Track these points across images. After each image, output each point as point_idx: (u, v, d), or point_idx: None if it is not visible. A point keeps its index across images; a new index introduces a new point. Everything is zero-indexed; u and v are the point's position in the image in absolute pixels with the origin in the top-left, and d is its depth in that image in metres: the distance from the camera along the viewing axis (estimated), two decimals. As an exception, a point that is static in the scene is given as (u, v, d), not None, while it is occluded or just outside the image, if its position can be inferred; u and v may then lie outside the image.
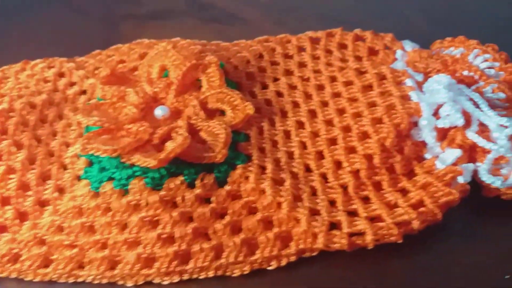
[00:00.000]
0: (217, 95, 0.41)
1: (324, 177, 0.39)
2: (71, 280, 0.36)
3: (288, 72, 0.47)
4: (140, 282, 0.36)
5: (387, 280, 0.36)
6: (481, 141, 0.36)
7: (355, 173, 0.38)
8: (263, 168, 0.38)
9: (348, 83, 0.44)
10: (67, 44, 0.56)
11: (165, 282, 0.36)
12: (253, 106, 0.41)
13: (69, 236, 0.36)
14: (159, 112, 0.40)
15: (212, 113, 0.41)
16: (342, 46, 0.48)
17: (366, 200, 0.37)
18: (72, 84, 0.47)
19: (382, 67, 0.44)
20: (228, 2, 0.61)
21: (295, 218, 0.36)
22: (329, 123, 0.41)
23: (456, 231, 0.38)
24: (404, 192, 0.37)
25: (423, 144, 0.39)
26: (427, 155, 0.39)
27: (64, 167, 0.40)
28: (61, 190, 0.39)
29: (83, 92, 0.47)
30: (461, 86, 0.40)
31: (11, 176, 0.39)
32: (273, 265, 0.36)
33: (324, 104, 0.43)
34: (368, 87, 0.43)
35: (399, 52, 0.47)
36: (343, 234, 0.35)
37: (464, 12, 0.58)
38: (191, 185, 0.37)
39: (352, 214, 0.37)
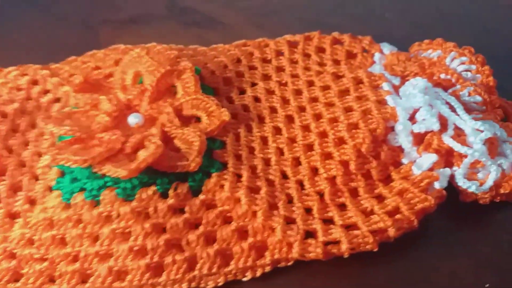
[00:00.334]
0: (192, 102, 0.40)
1: (300, 184, 0.38)
2: (41, 294, 0.35)
3: (266, 77, 0.46)
4: (112, 296, 0.35)
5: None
6: (456, 146, 0.36)
7: (332, 179, 0.38)
8: (238, 176, 0.38)
9: (325, 88, 0.43)
10: (44, 50, 0.56)
11: (138, 295, 0.35)
12: (230, 112, 0.40)
13: (39, 249, 0.35)
14: (133, 119, 0.40)
15: (187, 120, 0.40)
16: (320, 50, 0.48)
17: (342, 207, 0.37)
18: (46, 91, 0.46)
19: (359, 71, 0.43)
20: (208, 6, 0.61)
21: (270, 227, 0.35)
22: (306, 128, 0.41)
23: (435, 238, 0.37)
24: (380, 198, 0.37)
25: (400, 149, 0.38)
26: (404, 160, 0.38)
27: (36, 178, 0.39)
28: (32, 202, 0.38)
29: (57, 100, 0.46)
30: (438, 90, 0.40)
31: (-19, 188, 0.38)
32: (248, 276, 0.35)
33: (301, 109, 0.42)
34: (345, 92, 0.42)
35: (377, 55, 0.46)
36: (319, 243, 0.34)
37: (442, 14, 0.58)
38: (164, 195, 0.36)
39: (329, 222, 0.36)
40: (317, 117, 0.41)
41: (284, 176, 0.39)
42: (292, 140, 0.41)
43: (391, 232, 0.34)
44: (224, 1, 0.62)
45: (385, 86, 0.41)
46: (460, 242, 0.37)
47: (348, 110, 0.41)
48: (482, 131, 0.36)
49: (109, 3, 0.62)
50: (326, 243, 0.35)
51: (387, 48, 0.47)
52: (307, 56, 0.48)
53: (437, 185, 0.36)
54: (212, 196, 0.37)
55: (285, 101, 0.44)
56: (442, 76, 0.42)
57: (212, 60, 0.47)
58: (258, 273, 0.35)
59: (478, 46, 0.45)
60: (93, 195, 0.36)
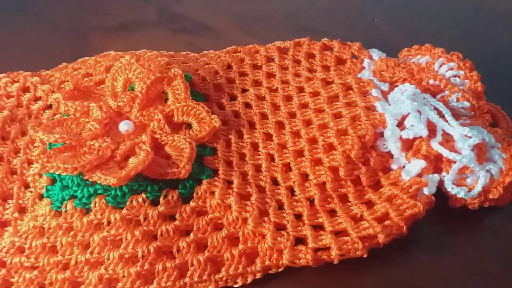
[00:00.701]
0: (182, 108, 0.41)
1: (291, 190, 0.38)
2: (31, 303, 0.35)
3: (257, 83, 0.46)
4: (103, 304, 0.35)
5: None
6: (444, 152, 0.36)
7: (321, 185, 0.38)
8: (229, 183, 0.38)
9: (315, 94, 0.44)
10: (35, 57, 0.56)
11: (128, 303, 0.35)
12: (221, 118, 0.41)
13: (29, 257, 0.35)
14: (123, 127, 0.40)
15: (178, 127, 0.41)
16: (310, 56, 0.48)
17: (332, 213, 0.37)
18: (36, 99, 0.46)
19: (348, 77, 0.43)
20: (199, 13, 0.61)
21: (260, 234, 0.35)
22: (296, 134, 0.41)
23: (424, 244, 0.37)
24: (370, 204, 0.37)
25: (389, 154, 0.39)
26: (393, 166, 0.38)
27: (27, 186, 0.39)
28: (22, 210, 0.38)
29: (48, 107, 0.46)
30: (426, 95, 0.40)
31: (-29, 196, 0.38)
32: (239, 282, 0.35)
33: (292, 115, 0.43)
34: (334, 98, 0.43)
35: (366, 61, 0.47)
36: (309, 249, 0.35)
37: (431, 20, 0.58)
38: (155, 203, 0.36)
39: (319, 227, 0.36)
40: (307, 123, 0.42)
41: (275, 182, 0.39)
42: (282, 146, 0.41)
43: (381, 238, 0.34)
44: (215, 8, 0.62)
45: (374, 92, 0.41)
46: (449, 247, 0.37)
47: (337, 116, 0.41)
48: (470, 137, 0.36)
49: (100, 9, 0.62)
50: (316, 249, 0.35)
51: (376, 54, 0.47)
52: (297, 62, 0.48)
53: (426, 191, 0.36)
54: (203, 203, 0.37)
55: (275, 107, 0.44)
56: (431, 81, 0.42)
57: (202, 67, 0.47)
58: (249, 280, 0.35)
59: (466, 51, 0.45)
60: (83, 203, 0.36)
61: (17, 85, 0.47)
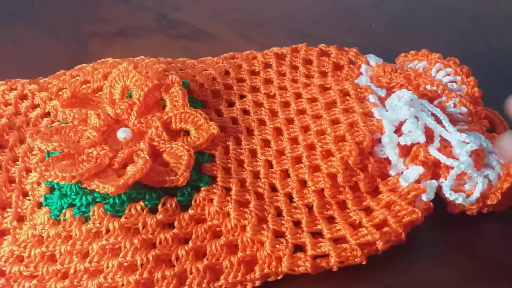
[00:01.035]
0: (180, 115, 0.41)
1: (289, 196, 0.38)
2: (29, 312, 0.35)
3: (254, 89, 0.47)
4: (102, 313, 0.35)
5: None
6: (442, 158, 0.36)
7: (320, 192, 0.38)
8: (227, 190, 0.38)
9: (312, 100, 0.44)
10: (33, 63, 0.56)
11: (128, 311, 0.35)
12: (219, 124, 0.41)
13: (28, 266, 0.35)
14: (121, 134, 0.40)
15: (176, 134, 0.41)
16: (308, 62, 0.48)
17: (331, 219, 0.37)
18: (34, 106, 0.46)
19: (345, 83, 0.43)
20: (197, 19, 0.61)
21: (259, 241, 0.35)
22: (294, 141, 0.41)
23: (422, 250, 0.37)
24: (368, 211, 0.37)
25: (387, 160, 0.39)
26: (391, 172, 0.38)
27: (25, 194, 0.39)
28: (21, 219, 0.38)
29: (46, 114, 0.46)
30: (424, 101, 0.40)
31: (-31, 205, 0.38)
32: (238, 291, 0.35)
33: (289, 121, 0.43)
34: (332, 104, 0.43)
35: (363, 67, 0.47)
36: (307, 256, 0.35)
37: (428, 25, 0.58)
38: (153, 210, 0.36)
39: (317, 234, 0.36)
40: (305, 129, 0.42)
41: (273, 189, 0.39)
42: (280, 153, 0.41)
43: (379, 245, 0.34)
44: (212, 14, 0.62)
45: (371, 98, 0.41)
46: (448, 254, 0.37)
47: (335, 122, 0.41)
48: (468, 143, 0.36)
49: (97, 16, 0.62)
50: (315, 257, 0.35)
51: (373, 59, 0.47)
52: (294, 68, 0.48)
53: (424, 197, 0.36)
54: (201, 210, 0.37)
55: (273, 113, 0.44)
56: (428, 87, 0.43)
57: (200, 73, 0.47)
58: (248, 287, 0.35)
59: (463, 56, 0.45)
60: (82, 211, 0.36)
61: (15, 92, 0.47)
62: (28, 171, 0.41)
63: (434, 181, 0.37)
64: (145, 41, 0.59)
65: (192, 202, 0.37)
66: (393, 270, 0.36)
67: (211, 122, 0.40)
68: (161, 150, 0.39)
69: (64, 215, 0.36)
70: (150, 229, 0.36)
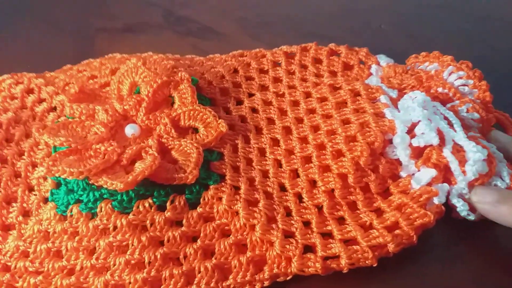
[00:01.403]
0: (189, 113, 0.40)
1: (299, 196, 0.38)
2: (35, 308, 0.35)
3: (263, 88, 0.46)
4: (108, 310, 0.34)
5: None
6: (454, 163, 0.36)
7: (330, 192, 0.37)
8: (236, 188, 0.37)
9: (322, 99, 0.43)
10: (39, 59, 0.56)
11: (135, 309, 0.34)
12: (227, 122, 0.40)
13: (34, 262, 0.35)
14: (129, 130, 0.39)
15: (184, 131, 0.40)
16: (317, 61, 0.48)
17: (341, 220, 0.36)
18: (40, 101, 0.46)
19: (356, 83, 0.43)
20: (205, 16, 0.61)
21: (268, 241, 0.35)
22: (303, 140, 0.41)
23: (433, 253, 0.37)
24: (379, 212, 0.37)
25: (398, 162, 0.38)
26: (402, 173, 0.38)
27: (31, 189, 0.39)
28: (26, 214, 0.37)
29: (53, 109, 0.45)
30: (436, 104, 0.40)
31: (-25, 199, 0.38)
32: (246, 291, 0.35)
33: (299, 120, 0.42)
34: (342, 103, 0.42)
35: (374, 67, 0.46)
36: (318, 257, 0.34)
37: (438, 27, 0.58)
38: (161, 208, 0.36)
39: (327, 235, 0.36)
40: (315, 128, 0.41)
41: (282, 188, 0.38)
42: (289, 152, 0.40)
43: (391, 247, 0.34)
44: (220, 12, 0.62)
45: (383, 99, 0.41)
46: (459, 257, 0.37)
47: (345, 122, 0.40)
48: (478, 152, 0.35)
49: (105, 11, 0.62)
50: (325, 258, 0.34)
51: (384, 60, 0.47)
52: (304, 67, 0.48)
53: (436, 200, 0.35)
54: (210, 208, 0.36)
55: (282, 112, 0.43)
56: (439, 90, 0.42)
57: (209, 71, 0.47)
58: (257, 288, 0.35)
59: (472, 59, 0.45)
60: (89, 207, 0.36)
61: (21, 86, 0.46)
62: (34, 165, 0.40)
63: (446, 184, 0.36)
64: (152, 37, 0.59)
65: (201, 200, 0.37)
66: (404, 272, 0.36)
67: (220, 120, 0.39)
68: (169, 147, 0.38)
69: (71, 211, 0.36)
70: (158, 227, 0.35)
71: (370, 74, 0.46)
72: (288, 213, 0.37)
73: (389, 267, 0.35)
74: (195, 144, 0.38)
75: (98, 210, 0.35)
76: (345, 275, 0.34)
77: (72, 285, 0.34)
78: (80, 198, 0.36)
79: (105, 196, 0.36)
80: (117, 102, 0.41)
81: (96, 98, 0.42)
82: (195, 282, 0.34)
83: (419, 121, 0.38)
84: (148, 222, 0.35)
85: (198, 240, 0.35)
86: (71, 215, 0.36)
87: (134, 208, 0.35)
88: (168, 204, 0.36)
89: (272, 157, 0.40)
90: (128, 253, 0.34)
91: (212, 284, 0.34)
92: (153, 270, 0.34)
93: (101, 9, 0.62)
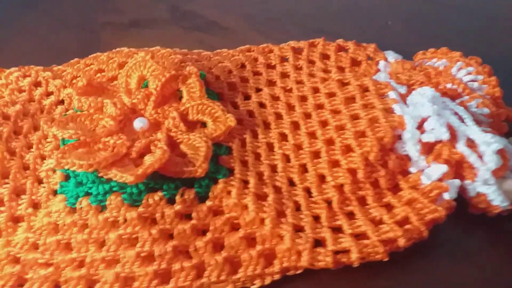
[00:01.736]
0: (197, 107, 0.40)
1: (308, 191, 0.38)
2: (45, 300, 0.35)
3: (271, 83, 0.46)
4: (118, 303, 0.34)
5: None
6: (472, 156, 0.36)
7: (339, 187, 0.37)
8: (245, 182, 0.37)
9: (330, 95, 0.43)
10: (45, 53, 0.56)
11: (145, 302, 0.34)
12: (235, 117, 0.40)
13: (44, 254, 0.35)
14: (138, 124, 0.39)
15: (192, 125, 0.40)
16: (325, 57, 0.48)
17: (350, 215, 0.36)
18: (48, 94, 0.46)
19: (365, 78, 0.43)
20: (211, 11, 0.61)
21: (278, 235, 0.35)
22: (312, 135, 0.41)
23: (444, 248, 0.37)
24: (389, 207, 0.37)
25: (408, 157, 0.38)
26: (412, 169, 0.38)
27: (40, 181, 0.39)
28: (35, 206, 0.37)
29: (60, 102, 0.45)
30: (445, 99, 0.40)
31: (-17, 191, 0.38)
32: (257, 284, 0.35)
33: (307, 115, 0.42)
34: (350, 99, 0.42)
35: (382, 63, 0.46)
36: (328, 251, 0.34)
37: (445, 23, 0.58)
38: (171, 201, 0.36)
39: (337, 230, 0.36)
40: (323, 124, 0.41)
41: (291, 183, 0.38)
42: (298, 147, 0.40)
43: (401, 242, 0.34)
44: (226, 7, 0.62)
45: (392, 95, 0.41)
46: (469, 253, 0.37)
47: (354, 117, 0.40)
48: (493, 143, 0.36)
49: (111, 6, 0.62)
50: (335, 252, 0.34)
51: (392, 56, 0.47)
52: (311, 62, 0.48)
53: (446, 196, 0.35)
54: (219, 202, 0.36)
55: (290, 107, 0.43)
56: (448, 85, 0.42)
57: (216, 65, 0.47)
58: (267, 281, 0.35)
59: (480, 56, 0.45)
60: (98, 200, 0.36)
61: (28, 79, 0.46)
62: (43, 158, 0.40)
63: (457, 180, 0.36)
64: (158, 32, 0.59)
65: (210, 194, 0.37)
66: (413, 267, 0.36)
67: (228, 114, 0.39)
68: (178, 141, 0.38)
69: (80, 204, 0.36)
70: (168, 220, 0.35)
71: (378, 70, 0.46)
72: (297, 208, 0.37)
73: (399, 261, 0.35)
74: (204, 138, 0.38)
75: (107, 202, 0.35)
76: (354, 270, 0.34)
77: (83, 277, 0.34)
78: (90, 190, 0.36)
79: (114, 189, 0.36)
80: (125, 95, 0.41)
81: (104, 92, 0.42)
82: (206, 275, 0.34)
83: (429, 116, 0.38)
84: (158, 215, 0.35)
85: (208, 233, 0.35)
86: (81, 208, 0.36)
87: (143, 201, 0.35)
88: (177, 197, 0.36)
89: (281, 152, 0.40)
90: (138, 245, 0.34)
91: (222, 277, 0.34)
92: (163, 262, 0.34)
93: (107, 4, 0.62)
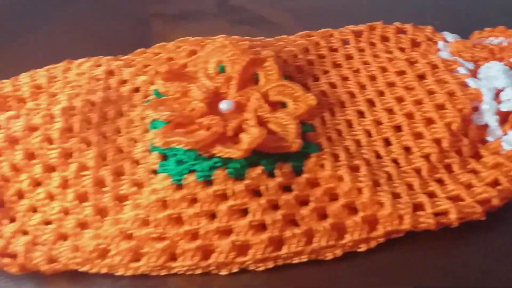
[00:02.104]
0: (278, 88, 0.42)
1: (395, 162, 0.40)
2: (163, 272, 0.36)
3: (336, 65, 0.48)
4: (234, 270, 0.36)
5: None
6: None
7: (426, 157, 0.40)
8: (335, 156, 0.39)
9: (400, 73, 0.45)
10: (96, 42, 0.57)
11: (260, 269, 0.36)
12: None
13: (156, 228, 0.36)
14: (224, 106, 0.41)
15: (273, 106, 0.42)
16: (384, 39, 0.50)
17: (440, 182, 0.39)
18: (123, 81, 0.47)
19: (432, 56, 0.45)
20: (258, 5, 0.62)
21: (377, 202, 0.37)
22: (389, 111, 0.43)
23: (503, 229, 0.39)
24: (475, 173, 0.39)
25: (484, 127, 0.41)
26: (489, 138, 0.40)
27: (136, 162, 0.40)
28: (138, 185, 0.39)
29: (137, 89, 0.46)
30: (512, 73, 0.42)
31: (85, 173, 0.39)
32: (363, 247, 0.37)
33: (380, 93, 0.44)
34: (421, 76, 0.44)
35: (441, 43, 0.49)
36: (428, 214, 0.36)
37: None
38: (271, 174, 0.38)
39: (429, 196, 0.38)
40: (399, 100, 0.43)
41: (378, 156, 0.40)
42: (377, 122, 0.42)
43: (495, 201, 0.36)
44: (272, 2, 0.63)
45: (462, 70, 0.43)
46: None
47: (430, 92, 0.43)
48: None
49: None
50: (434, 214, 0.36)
51: (450, 36, 0.49)
52: (372, 44, 0.50)
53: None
54: (314, 175, 0.38)
55: (361, 87, 0.45)
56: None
57: (282, 50, 0.49)
58: (373, 245, 0.37)
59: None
60: (205, 176, 0.37)
61: (102, 68, 0.48)
62: (134, 141, 0.42)
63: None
64: (206, 24, 0.60)
65: (303, 168, 0.38)
66: (471, 246, 0.38)
67: (308, 94, 0.41)
68: (264, 120, 0.40)
69: (186, 180, 0.37)
70: (272, 191, 0.37)
71: (438, 49, 0.48)
72: (389, 178, 0.39)
73: (455, 238, 0.37)
74: (290, 116, 0.39)
75: (214, 177, 0.37)
76: (408, 244, 0.37)
77: (199, 248, 0.36)
78: (193, 167, 0.38)
79: (217, 164, 0.37)
80: (207, 80, 0.42)
81: (183, 78, 0.44)
82: (315, 240, 0.36)
83: (503, 87, 0.41)
84: (262, 187, 0.37)
85: (311, 203, 0.37)
86: (187, 184, 0.37)
87: (246, 175, 0.37)
88: (277, 171, 0.38)
89: (361, 128, 0.42)
90: (249, 215, 0.36)
91: (331, 242, 0.36)
92: (275, 230, 0.36)
93: (154, -5, 0.63)
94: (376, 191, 0.37)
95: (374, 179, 0.38)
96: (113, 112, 0.44)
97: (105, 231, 0.37)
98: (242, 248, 0.36)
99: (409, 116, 0.42)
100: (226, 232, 0.36)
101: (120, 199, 0.38)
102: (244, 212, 0.37)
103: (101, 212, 0.38)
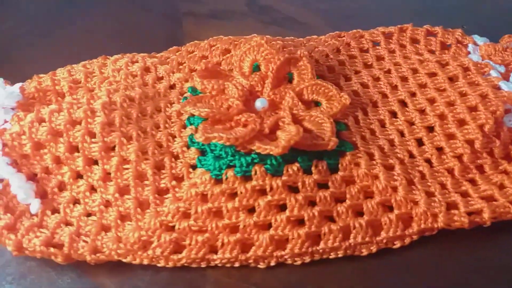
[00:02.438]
0: (311, 87, 0.43)
1: (428, 162, 0.41)
2: (203, 264, 0.37)
3: (367, 65, 0.49)
4: (272, 264, 0.37)
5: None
6: None
7: (459, 157, 0.40)
8: (370, 155, 0.40)
9: (431, 75, 0.46)
10: (128, 38, 0.58)
11: (297, 263, 0.37)
12: None
13: (197, 221, 0.37)
14: (259, 104, 0.42)
15: (307, 105, 0.43)
16: (414, 41, 0.51)
17: (473, 182, 0.39)
18: (159, 78, 0.48)
19: (464, 59, 0.46)
20: (288, 6, 0.63)
21: (412, 200, 0.38)
22: (421, 112, 0.44)
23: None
24: (506, 174, 0.40)
25: (515, 129, 0.41)
26: (521, 140, 0.41)
27: (175, 157, 0.41)
28: (177, 179, 0.40)
29: (172, 86, 0.47)
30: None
31: (126, 166, 0.40)
32: (397, 244, 0.38)
33: (412, 94, 0.45)
34: (452, 78, 0.45)
35: (470, 46, 0.49)
36: (462, 213, 0.37)
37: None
38: (306, 171, 0.39)
39: (462, 195, 0.39)
40: (431, 101, 0.44)
41: (411, 155, 0.41)
42: (410, 123, 0.43)
43: None
44: (303, 3, 0.64)
45: (494, 73, 0.44)
46: None
47: (462, 94, 0.43)
48: None
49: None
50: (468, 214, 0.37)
51: (479, 39, 0.50)
52: (402, 46, 0.50)
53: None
54: (350, 173, 0.39)
55: (393, 87, 0.46)
56: (542, 64, 0.45)
57: (313, 50, 0.50)
58: (407, 242, 0.38)
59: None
60: (243, 171, 0.38)
61: (138, 65, 0.49)
62: (172, 136, 0.43)
63: None
64: (237, 24, 0.61)
65: (339, 166, 0.39)
66: (490, 244, 0.39)
67: (342, 93, 0.42)
68: (300, 118, 0.41)
69: (226, 175, 0.38)
70: (309, 188, 0.38)
71: (468, 52, 0.49)
72: (422, 177, 0.40)
73: (476, 238, 0.38)
74: (325, 115, 0.40)
75: (253, 173, 0.38)
76: (428, 244, 0.38)
77: (239, 241, 0.37)
78: (232, 163, 0.39)
79: (255, 160, 0.38)
80: (242, 78, 0.43)
81: (219, 76, 0.45)
82: (352, 237, 0.37)
83: (536, 90, 0.41)
84: (299, 183, 0.38)
85: (347, 200, 0.38)
86: (227, 179, 0.38)
87: (284, 171, 0.38)
88: (313, 168, 0.39)
89: (393, 128, 0.43)
90: (287, 210, 0.37)
91: (367, 239, 0.37)
92: (313, 226, 0.37)
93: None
94: (411, 189, 0.38)
95: (408, 178, 0.39)
96: (151, 108, 0.45)
97: (145, 224, 0.38)
98: (280, 243, 0.37)
99: (442, 117, 0.43)
100: (264, 226, 0.37)
101: (161, 192, 0.39)
102: (282, 207, 0.38)
103: (142, 205, 0.39)
